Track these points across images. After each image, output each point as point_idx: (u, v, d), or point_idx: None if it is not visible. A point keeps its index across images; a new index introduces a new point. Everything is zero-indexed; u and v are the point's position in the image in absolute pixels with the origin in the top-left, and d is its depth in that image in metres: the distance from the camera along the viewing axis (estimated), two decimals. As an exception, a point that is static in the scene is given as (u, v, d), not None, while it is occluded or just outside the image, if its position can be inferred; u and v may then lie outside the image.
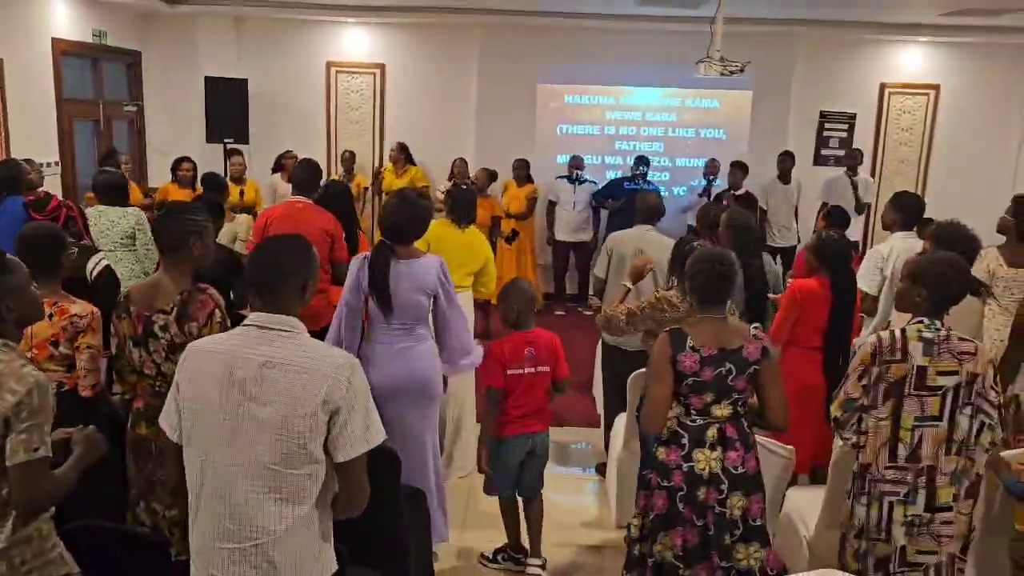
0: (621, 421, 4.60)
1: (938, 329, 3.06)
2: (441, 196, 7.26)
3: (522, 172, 8.69)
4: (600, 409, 5.57)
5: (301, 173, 4.88)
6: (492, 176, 8.44)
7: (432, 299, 3.67)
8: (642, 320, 3.90)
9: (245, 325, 2.23)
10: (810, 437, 4.04)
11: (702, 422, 3.07)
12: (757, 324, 3.17)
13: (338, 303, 3.74)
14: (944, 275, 3.03)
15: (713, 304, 3.10)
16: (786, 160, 8.81)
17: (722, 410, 3.07)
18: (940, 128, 9.79)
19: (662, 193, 8.42)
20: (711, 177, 8.76)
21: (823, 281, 4.23)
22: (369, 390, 2.21)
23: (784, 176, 8.81)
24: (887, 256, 4.73)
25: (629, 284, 4.17)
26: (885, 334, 3.12)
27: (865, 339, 3.68)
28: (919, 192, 9.57)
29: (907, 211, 4.91)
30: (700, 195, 8.63)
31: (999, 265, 4.69)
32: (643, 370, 3.66)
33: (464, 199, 4.95)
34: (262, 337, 2.17)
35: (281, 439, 2.13)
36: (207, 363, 2.19)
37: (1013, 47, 9.56)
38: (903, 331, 3.09)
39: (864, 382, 3.08)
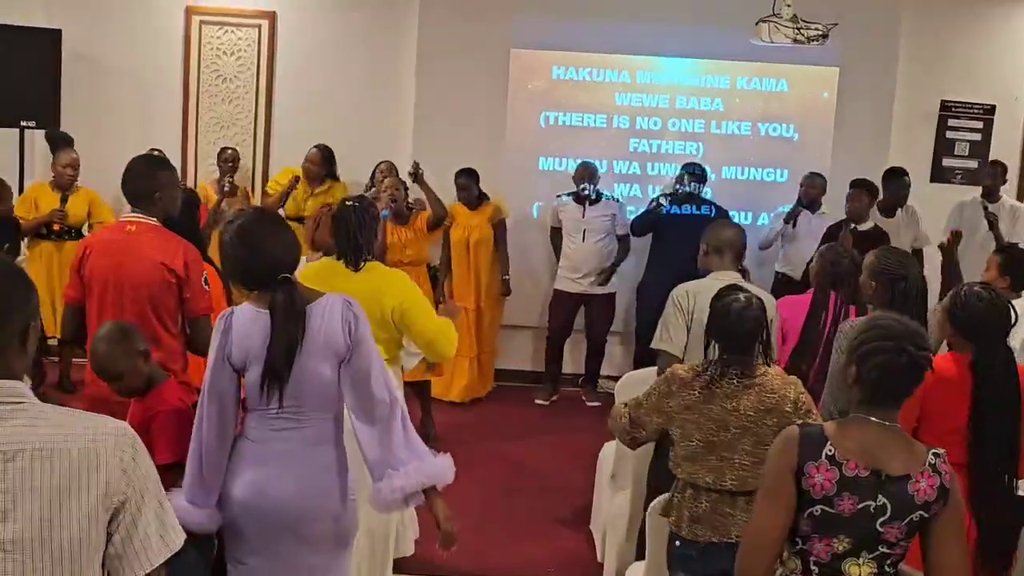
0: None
1: None
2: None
3: (471, 188, 8.09)
4: (602, 554, 5.38)
5: (134, 177, 4.56)
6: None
7: (339, 367, 3.47)
8: (648, 414, 3.86)
9: None
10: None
11: None
12: (940, 450, 2.90)
13: (199, 397, 3.55)
14: None
15: (883, 405, 2.90)
16: (897, 182, 8.01)
17: (860, 568, 2.87)
18: None
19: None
20: (807, 202, 8.06)
21: (961, 359, 3.95)
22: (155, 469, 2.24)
23: (892, 204, 8.01)
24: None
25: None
26: None
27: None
28: None
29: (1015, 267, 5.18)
30: (787, 222, 8.09)
31: None
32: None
33: (359, 220, 4.73)
34: None
35: (38, 569, 2.11)
36: None
37: None
38: None
39: None
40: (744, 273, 5.09)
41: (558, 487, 6.41)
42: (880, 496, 2.87)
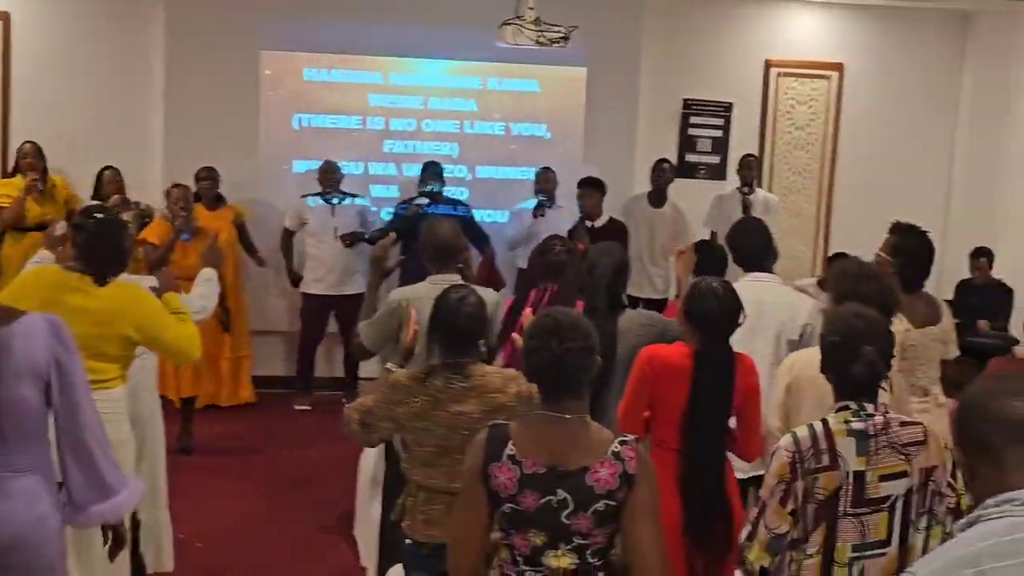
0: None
1: (870, 415, 3.04)
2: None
3: (212, 187, 7.89)
4: (367, 558, 5.30)
5: None
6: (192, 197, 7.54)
7: (44, 391, 3.30)
8: (380, 420, 3.72)
9: None
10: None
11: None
12: (628, 438, 2.92)
13: None
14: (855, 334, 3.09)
15: (556, 398, 2.90)
16: (664, 172, 8.43)
17: (560, 560, 2.86)
18: (847, 125, 9.57)
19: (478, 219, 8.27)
20: (543, 198, 8.23)
21: (688, 349, 3.97)
22: None
23: (658, 195, 8.38)
24: None
25: (393, 366, 4.00)
26: (803, 431, 3.06)
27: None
28: (824, 217, 9.52)
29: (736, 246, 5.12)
30: (536, 215, 8.17)
31: (905, 329, 4.51)
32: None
33: (108, 232, 4.38)
34: None
35: None
36: None
37: (941, 12, 9.37)
38: (825, 424, 3.04)
39: (791, 507, 3.03)
40: (463, 272, 5.04)
41: (323, 493, 6.37)
42: (559, 490, 2.89)
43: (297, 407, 8.15)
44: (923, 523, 3.12)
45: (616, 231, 7.65)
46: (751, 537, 3.13)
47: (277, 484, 6.56)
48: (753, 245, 5.06)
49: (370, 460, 5.38)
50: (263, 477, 6.68)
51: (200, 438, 7.13)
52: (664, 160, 8.49)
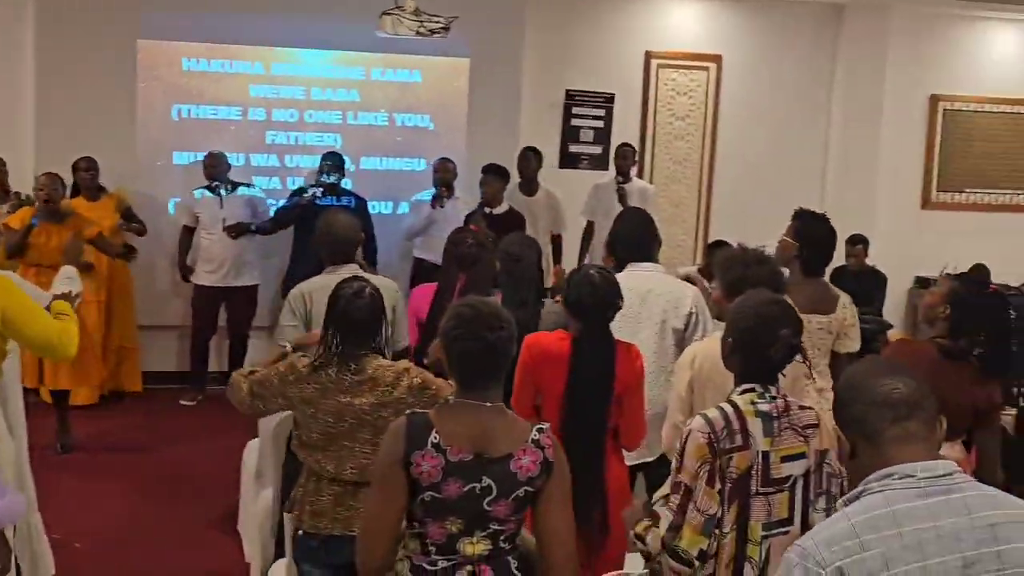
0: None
1: (774, 397, 3.06)
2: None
3: (92, 179, 7.72)
4: (251, 553, 5.14)
5: None
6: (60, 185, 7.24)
7: None
8: (272, 395, 3.72)
9: None
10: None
11: (446, 564, 2.88)
12: (544, 425, 2.97)
13: None
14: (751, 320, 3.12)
15: (477, 387, 2.92)
16: (529, 160, 8.42)
17: (475, 546, 2.88)
18: (726, 116, 9.66)
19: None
20: (441, 188, 8.19)
21: (565, 337, 4.00)
22: None
23: (528, 184, 8.41)
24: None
25: (288, 344, 4.07)
26: (713, 412, 3.04)
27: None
28: (705, 205, 9.62)
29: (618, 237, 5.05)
30: (434, 206, 8.14)
31: None
32: None
33: None
34: None
35: None
36: None
37: (815, 5, 9.55)
38: (734, 405, 3.04)
39: (718, 486, 3.01)
40: (363, 264, 5.02)
41: (208, 489, 6.29)
42: (485, 477, 2.89)
43: (183, 402, 8.03)
44: (821, 503, 3.14)
45: (515, 220, 7.69)
46: (676, 526, 3.05)
47: (161, 481, 6.47)
48: (638, 236, 5.06)
49: (254, 454, 5.32)
50: (147, 474, 6.57)
51: (82, 436, 6.99)
52: (529, 148, 8.50)
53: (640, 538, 3.19)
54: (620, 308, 4.06)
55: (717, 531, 3.05)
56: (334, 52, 8.72)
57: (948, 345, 4.16)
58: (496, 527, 2.94)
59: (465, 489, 2.87)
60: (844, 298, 4.86)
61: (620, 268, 5.13)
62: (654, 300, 4.74)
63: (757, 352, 3.14)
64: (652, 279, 4.84)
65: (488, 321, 2.94)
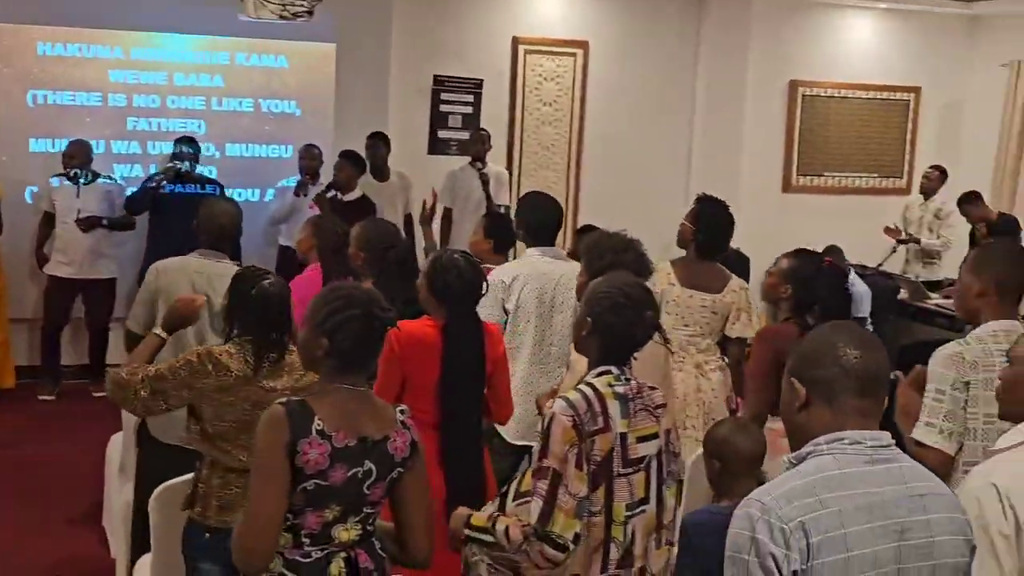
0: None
1: (629, 379, 3.12)
2: None
3: None
4: (116, 548, 4.97)
5: None
6: None
7: None
8: (176, 388, 3.60)
9: None
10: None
11: (320, 555, 2.85)
12: (404, 407, 3.00)
13: None
14: (610, 304, 3.13)
15: (356, 371, 2.91)
16: (378, 146, 8.34)
17: (348, 532, 2.88)
18: (593, 102, 9.74)
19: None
20: (307, 177, 8.08)
21: (435, 323, 4.00)
22: None
23: (377, 170, 8.34)
24: (509, 284, 4.82)
25: (163, 332, 3.99)
26: (574, 395, 3.05)
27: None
28: (573, 191, 9.74)
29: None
30: (298, 194, 8.04)
31: (670, 284, 4.98)
32: None
33: None
34: None
35: None
36: None
37: None
38: (593, 388, 3.06)
39: (587, 468, 3.01)
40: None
41: (69, 485, 6.20)
42: (367, 461, 2.88)
43: (41, 397, 7.84)
44: (671, 480, 3.24)
45: (365, 208, 7.62)
46: (546, 513, 3.00)
47: (20, 478, 6.36)
48: (549, 220, 5.13)
49: (117, 448, 5.25)
50: (5, 472, 6.46)
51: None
52: (376, 134, 8.48)
53: (483, 530, 3.17)
54: (484, 294, 4.11)
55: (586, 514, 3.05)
56: (197, 37, 8.56)
57: (804, 323, 4.30)
58: (368, 510, 2.95)
59: (349, 474, 2.85)
60: (735, 282, 5.05)
61: (501, 252, 5.27)
62: (566, 285, 4.81)
63: (620, 334, 3.16)
64: (563, 265, 4.93)
65: (380, 303, 2.96)
